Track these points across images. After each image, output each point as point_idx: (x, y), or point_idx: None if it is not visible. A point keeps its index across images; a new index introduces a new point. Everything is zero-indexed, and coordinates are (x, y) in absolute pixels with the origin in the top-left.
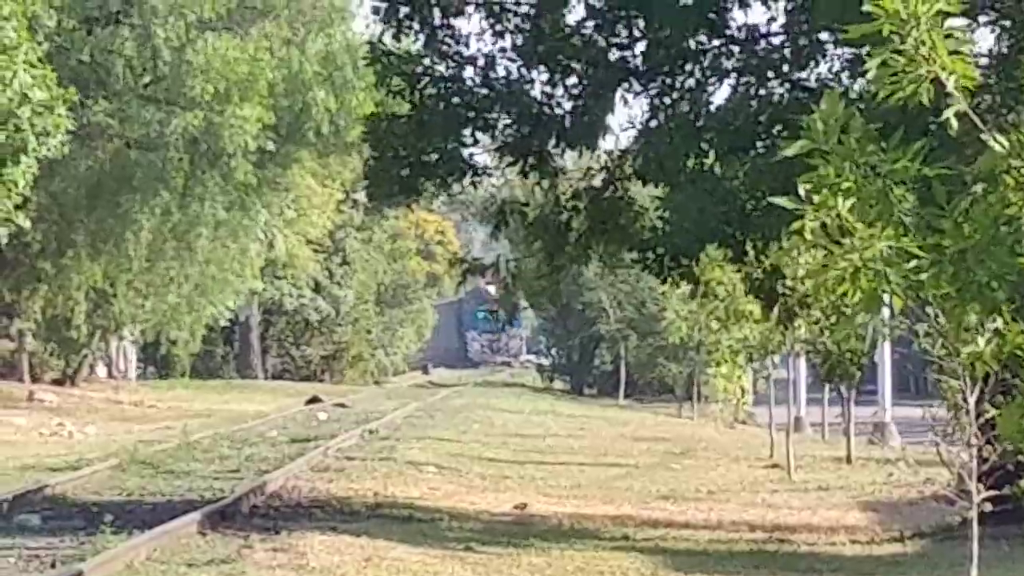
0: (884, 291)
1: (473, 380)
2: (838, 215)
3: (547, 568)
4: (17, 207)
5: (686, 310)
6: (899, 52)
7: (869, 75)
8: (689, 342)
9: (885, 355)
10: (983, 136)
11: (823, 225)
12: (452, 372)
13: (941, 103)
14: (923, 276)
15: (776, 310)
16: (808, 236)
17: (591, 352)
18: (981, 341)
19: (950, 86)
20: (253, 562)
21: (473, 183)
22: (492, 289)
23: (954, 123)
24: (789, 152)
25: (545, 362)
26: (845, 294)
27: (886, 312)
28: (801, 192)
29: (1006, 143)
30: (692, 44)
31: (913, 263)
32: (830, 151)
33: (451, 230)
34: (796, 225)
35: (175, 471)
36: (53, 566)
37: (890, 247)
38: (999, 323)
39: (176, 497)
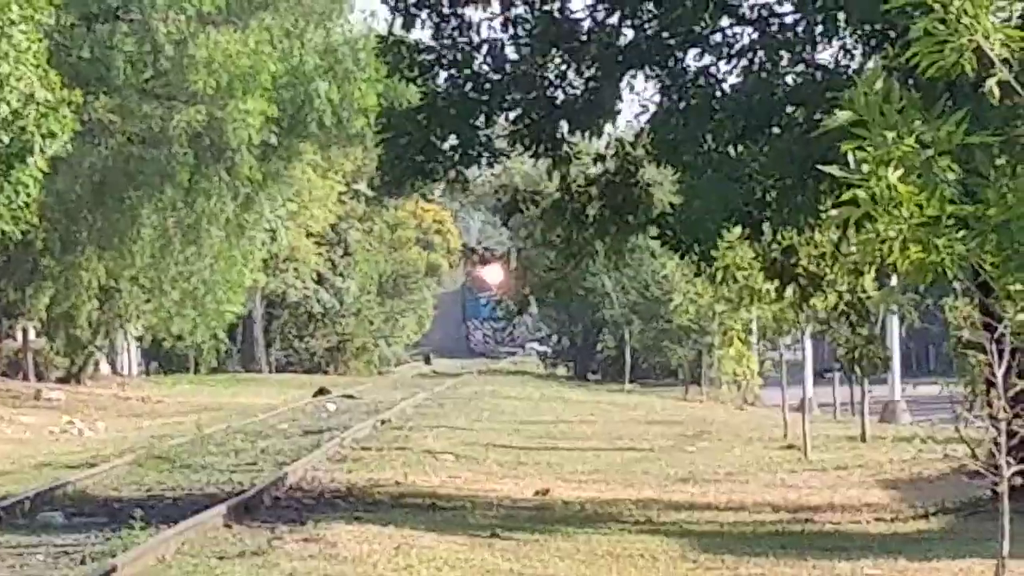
0: (933, 261)
1: (476, 368)
2: (888, 186)
3: (576, 552)
4: (25, 206)
5: (693, 292)
6: (942, 21)
7: (883, 52)
8: (695, 324)
9: (894, 333)
10: None
11: (872, 195)
12: (454, 361)
13: (982, 73)
14: (970, 246)
15: (791, 290)
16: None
17: (594, 337)
18: None
19: (993, 55)
20: (285, 553)
21: (490, 163)
22: (488, 275)
23: (996, 92)
24: (834, 123)
25: (547, 349)
26: (863, 273)
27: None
28: (850, 162)
29: None
30: (703, 25)
31: (962, 232)
32: (873, 122)
33: (449, 219)
34: (846, 195)
35: (192, 465)
36: (83, 563)
37: (937, 216)
38: None
39: (196, 491)
